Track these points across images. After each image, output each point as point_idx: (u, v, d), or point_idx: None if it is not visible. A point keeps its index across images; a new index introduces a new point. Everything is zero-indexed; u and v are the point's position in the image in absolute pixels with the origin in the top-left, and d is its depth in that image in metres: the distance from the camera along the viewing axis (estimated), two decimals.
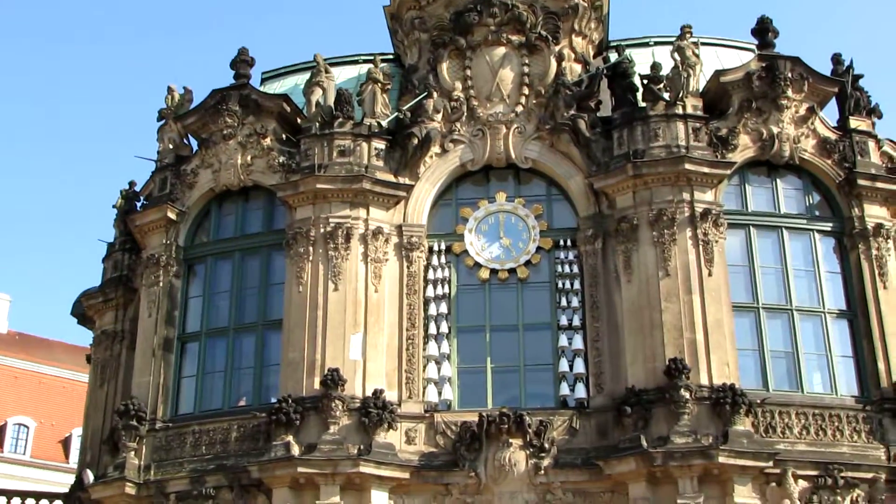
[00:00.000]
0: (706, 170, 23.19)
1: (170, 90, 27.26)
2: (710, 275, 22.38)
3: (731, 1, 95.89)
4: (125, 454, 22.71)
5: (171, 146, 26.50)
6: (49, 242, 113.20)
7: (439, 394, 22.74)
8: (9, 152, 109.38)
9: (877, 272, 23.16)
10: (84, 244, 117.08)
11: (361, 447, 21.22)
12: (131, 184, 28.97)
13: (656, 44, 27.40)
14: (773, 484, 20.52)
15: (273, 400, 22.12)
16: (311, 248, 23.35)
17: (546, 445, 21.24)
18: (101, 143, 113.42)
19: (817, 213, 24.35)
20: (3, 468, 55.91)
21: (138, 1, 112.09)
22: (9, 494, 27.77)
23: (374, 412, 21.42)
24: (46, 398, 61.63)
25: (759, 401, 21.23)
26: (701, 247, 22.59)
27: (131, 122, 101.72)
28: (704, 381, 21.27)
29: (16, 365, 62.77)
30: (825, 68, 25.44)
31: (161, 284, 24.74)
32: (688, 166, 22.97)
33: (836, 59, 25.84)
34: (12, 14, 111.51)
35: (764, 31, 25.33)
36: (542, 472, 21.10)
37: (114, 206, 29.30)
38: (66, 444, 60.57)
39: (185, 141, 26.72)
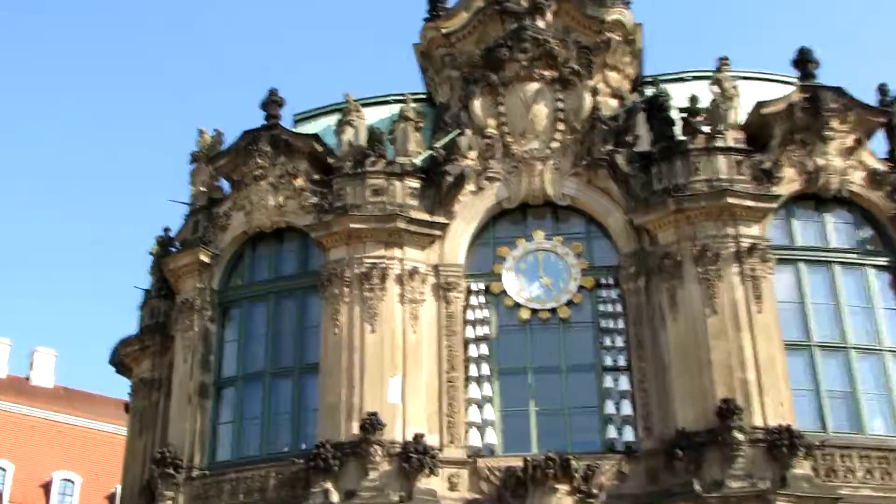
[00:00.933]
0: (750, 203, 22.43)
1: (201, 133, 26.92)
2: (759, 311, 21.54)
3: (768, 37, 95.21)
4: (161, 503, 21.99)
5: (203, 189, 25.98)
6: (90, 294, 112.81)
7: (482, 438, 21.90)
8: (44, 199, 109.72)
9: None
10: (124, 293, 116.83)
11: (402, 494, 20.38)
12: (166, 230, 28.11)
13: (694, 78, 26.59)
14: None
15: (311, 446, 21.27)
16: (346, 289, 22.64)
17: (594, 491, 20.35)
18: (138, 188, 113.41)
19: (869, 247, 23.52)
20: None
21: (169, 44, 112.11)
22: None
23: (414, 457, 20.53)
24: (92, 453, 61.22)
25: (818, 443, 20.27)
26: (749, 283, 21.78)
27: (168, 167, 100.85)
28: (759, 422, 20.33)
29: (61, 419, 62.68)
30: (871, 98, 24.75)
31: (196, 329, 24.10)
32: (731, 200, 22.22)
33: (882, 89, 25.03)
34: (43, 53, 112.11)
35: (805, 61, 24.67)
36: None
37: (150, 253, 28.70)
38: (111, 499, 59.17)
39: (217, 183, 26.18)
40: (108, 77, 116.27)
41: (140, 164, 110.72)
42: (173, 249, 26.70)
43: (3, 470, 59.60)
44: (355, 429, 21.04)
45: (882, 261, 23.25)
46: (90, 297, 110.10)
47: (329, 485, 20.50)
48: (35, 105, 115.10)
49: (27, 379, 69.15)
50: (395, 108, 26.10)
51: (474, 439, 21.81)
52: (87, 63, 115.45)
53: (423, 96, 27.54)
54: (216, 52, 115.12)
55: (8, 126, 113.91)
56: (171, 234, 27.75)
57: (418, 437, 20.94)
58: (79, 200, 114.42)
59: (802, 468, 19.76)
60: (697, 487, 19.55)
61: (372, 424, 20.76)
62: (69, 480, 60.03)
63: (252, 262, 25.10)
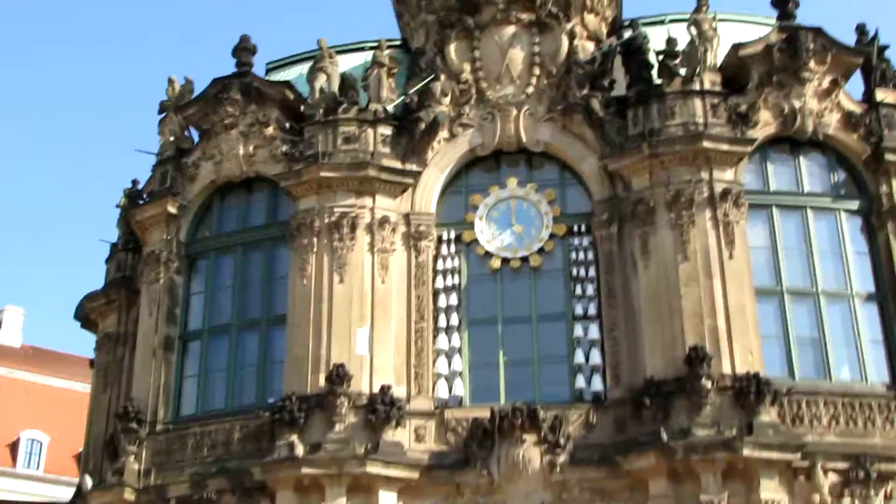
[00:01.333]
0: (725, 147, 22.12)
1: (170, 81, 26.50)
2: (731, 258, 21.26)
3: None
4: (124, 459, 21.79)
5: (171, 139, 25.60)
6: (58, 250, 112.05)
7: (450, 389, 21.70)
8: (9, 159, 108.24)
9: None
10: (93, 249, 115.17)
11: (368, 446, 20.21)
12: (134, 182, 28.00)
13: (672, 21, 25.99)
14: (802, 478, 19.38)
15: (277, 399, 21.11)
16: (315, 240, 22.40)
17: (561, 441, 20.14)
18: (106, 141, 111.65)
19: (843, 191, 23.20)
20: (16, 484, 55.47)
21: None
22: None
23: (381, 409, 20.41)
24: (60, 412, 60.37)
25: (784, 390, 20.08)
26: (721, 228, 21.49)
27: (138, 118, 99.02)
28: (727, 369, 20.12)
29: (29, 378, 62.69)
30: (849, 39, 24.36)
31: (162, 281, 23.86)
32: (706, 144, 21.89)
33: (861, 29, 24.63)
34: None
35: (784, 2, 24.15)
36: (558, 469, 20.00)
37: (117, 206, 28.47)
38: (79, 458, 59.39)
39: (186, 133, 25.86)
40: (70, 24, 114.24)
41: (109, 115, 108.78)
42: (141, 202, 26.39)
43: None
44: (322, 381, 20.85)
45: (854, 205, 22.88)
46: (59, 255, 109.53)
47: (294, 437, 20.30)
48: None
49: None
50: (369, 56, 25.44)
51: (442, 390, 21.61)
52: (49, 7, 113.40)
53: (399, 43, 27.06)
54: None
55: None
56: (140, 186, 27.52)
57: (385, 389, 20.77)
58: (46, 156, 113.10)
59: (769, 415, 19.54)
60: (664, 436, 19.29)
61: (339, 376, 20.59)
62: (36, 440, 59.91)
63: (220, 212, 24.85)
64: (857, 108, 23.38)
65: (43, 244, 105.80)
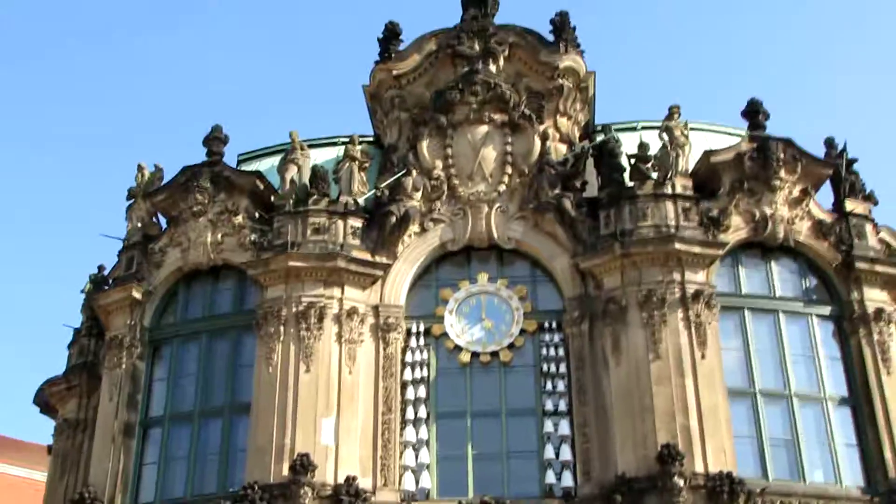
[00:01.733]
0: (697, 250, 22.26)
1: (140, 168, 26.25)
2: (703, 357, 21.21)
3: (720, 89, 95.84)
4: None
5: (139, 225, 25.36)
6: (18, 335, 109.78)
7: (417, 482, 21.22)
8: None
9: (879, 357, 22.09)
10: (55, 335, 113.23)
11: None
12: (100, 268, 27.60)
13: (644, 128, 26.14)
14: None
15: (239, 487, 20.53)
16: (281, 328, 22.15)
17: None
18: (72, 226, 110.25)
19: (814, 296, 23.31)
20: None
21: (111, 77, 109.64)
22: None
23: (346, 500, 19.93)
24: (16, 501, 59.65)
25: (758, 490, 19.80)
26: (693, 329, 21.49)
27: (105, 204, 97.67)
28: (700, 468, 19.89)
29: None
30: (819, 151, 24.87)
31: (124, 367, 23.38)
32: (678, 246, 22.04)
33: (829, 142, 25.17)
34: None
35: (754, 112, 24.68)
36: None
37: (81, 291, 28.11)
38: None
39: (154, 220, 25.63)
40: (43, 107, 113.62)
41: (75, 200, 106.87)
42: (106, 287, 25.91)
43: None
44: (285, 470, 20.34)
45: (826, 310, 23.01)
46: (19, 340, 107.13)
47: None
48: None
49: None
50: (341, 150, 25.67)
51: (409, 483, 21.11)
52: (25, 91, 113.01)
53: (371, 139, 27.13)
54: (160, 87, 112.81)
55: None
56: (106, 272, 27.18)
57: (350, 480, 20.29)
58: (8, 238, 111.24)
59: None
60: None
61: (303, 465, 20.07)
62: None
63: (186, 299, 24.49)
64: (827, 217, 23.72)
65: (2, 328, 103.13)
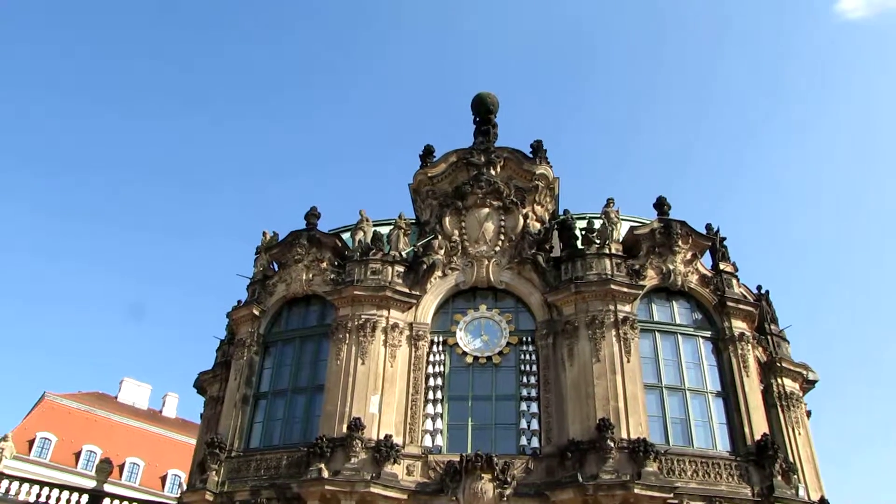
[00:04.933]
0: (625, 290, 21.36)
1: (264, 233, 25.72)
2: (628, 362, 20.17)
3: (639, 183, 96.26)
4: (209, 472, 20.37)
5: (261, 268, 24.69)
6: (199, 350, 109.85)
7: (433, 440, 20.07)
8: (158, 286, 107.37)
9: (742, 365, 21.00)
10: (210, 343, 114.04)
11: (373, 475, 18.73)
12: (239, 301, 26.30)
13: (591, 217, 24.82)
14: None
15: (313, 439, 19.50)
16: (347, 335, 21.30)
17: (508, 480, 18.60)
18: (218, 272, 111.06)
19: (700, 324, 22.06)
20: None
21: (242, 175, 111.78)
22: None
23: (384, 450, 19.05)
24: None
25: (663, 451, 18.74)
26: (622, 342, 20.45)
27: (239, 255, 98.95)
28: (624, 435, 18.82)
29: (178, 438, 61.45)
30: (703, 228, 23.84)
31: (245, 359, 22.63)
32: (613, 286, 21.25)
33: (709, 227, 24.08)
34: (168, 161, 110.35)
35: (661, 204, 23.90)
36: (505, 499, 18.44)
37: (227, 315, 26.83)
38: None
39: (270, 265, 24.77)
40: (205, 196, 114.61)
41: (226, 255, 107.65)
42: (237, 306, 24.79)
43: (139, 465, 58.44)
44: (344, 429, 19.43)
45: (707, 334, 21.81)
46: (199, 353, 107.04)
47: (322, 465, 18.80)
48: (144, 214, 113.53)
49: (160, 412, 68.27)
50: (390, 226, 24.63)
51: (427, 441, 19.99)
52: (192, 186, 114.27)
53: (413, 220, 25.92)
54: (282, 183, 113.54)
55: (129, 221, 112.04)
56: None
57: (388, 437, 19.37)
58: (186, 286, 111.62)
59: (652, 467, 18.13)
60: (580, 479, 17.92)
61: (356, 426, 19.28)
62: (177, 475, 57.54)
63: (287, 316, 23.62)
64: (708, 273, 22.78)
65: (192, 347, 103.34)
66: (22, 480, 23.53)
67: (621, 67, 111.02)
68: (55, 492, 23.43)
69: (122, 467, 56.30)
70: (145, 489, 54.08)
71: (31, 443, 54.26)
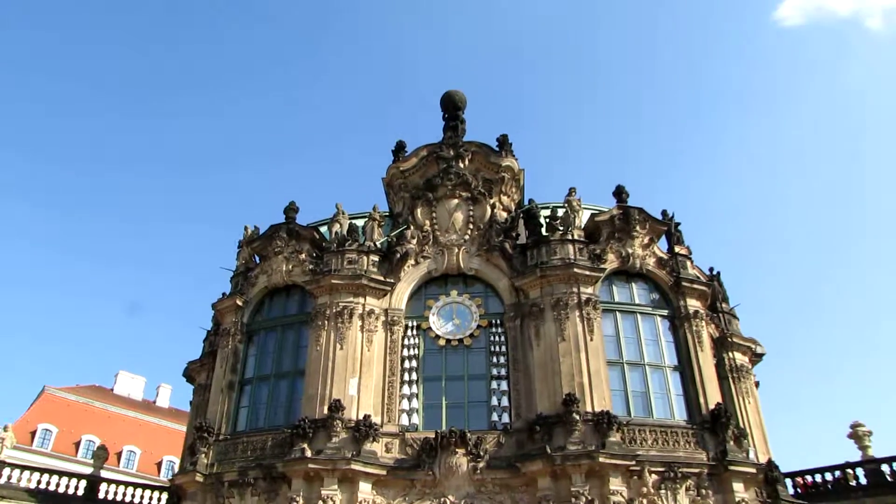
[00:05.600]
0: (587, 273, 21.21)
1: (245, 228, 25.19)
2: (591, 340, 20.03)
3: (599, 171, 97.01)
4: (198, 455, 20.10)
5: (243, 261, 24.27)
6: (188, 341, 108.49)
7: (409, 419, 19.86)
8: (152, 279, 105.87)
9: (696, 341, 20.99)
10: (197, 334, 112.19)
11: (354, 453, 18.53)
12: (223, 293, 25.83)
13: (555, 206, 24.74)
14: (635, 477, 17.80)
15: (296, 421, 19.20)
16: (326, 322, 20.99)
17: (481, 453, 18.49)
18: (208, 262, 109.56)
19: (658, 304, 21.99)
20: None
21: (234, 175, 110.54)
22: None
23: (363, 429, 18.87)
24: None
25: (625, 422, 18.70)
26: (585, 322, 20.31)
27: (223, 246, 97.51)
28: (589, 409, 18.71)
29: (170, 426, 60.55)
30: (659, 214, 23.68)
31: (230, 347, 22.24)
32: (576, 270, 21.10)
33: (664, 213, 23.98)
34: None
35: (620, 192, 23.65)
36: (478, 471, 18.33)
37: (212, 306, 26.38)
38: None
39: (252, 258, 24.28)
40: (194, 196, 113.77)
41: (213, 250, 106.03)
42: (222, 297, 24.21)
43: (135, 452, 57.74)
44: (325, 410, 19.18)
45: (664, 312, 21.70)
46: (190, 346, 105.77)
47: (305, 445, 18.64)
48: (140, 223, 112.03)
49: (154, 402, 67.47)
50: (365, 218, 24.37)
51: (404, 420, 19.79)
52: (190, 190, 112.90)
53: (386, 213, 25.64)
54: (262, 180, 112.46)
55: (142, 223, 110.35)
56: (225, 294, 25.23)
57: (367, 417, 19.17)
58: (177, 281, 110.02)
59: (615, 437, 18.11)
60: (548, 450, 17.83)
61: (336, 407, 19.04)
62: (172, 461, 56.98)
63: (269, 305, 23.20)
64: (665, 256, 22.67)
65: (183, 338, 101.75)
66: (22, 468, 23.05)
67: (585, 68, 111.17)
68: (54, 478, 22.97)
69: (119, 455, 55.66)
70: (142, 475, 53.50)
71: (34, 434, 53.43)
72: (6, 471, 22.38)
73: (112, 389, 64.82)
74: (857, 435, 21.67)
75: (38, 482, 22.54)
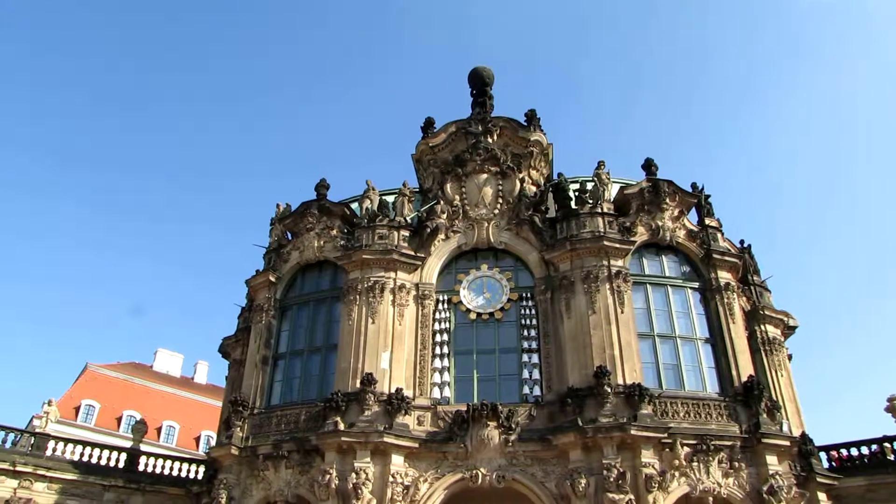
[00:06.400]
0: (617, 245, 20.92)
1: (278, 206, 25.23)
2: (622, 312, 19.79)
3: (629, 145, 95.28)
4: (234, 429, 20.20)
5: (276, 238, 24.25)
6: (224, 318, 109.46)
7: (441, 392, 19.85)
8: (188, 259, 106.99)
9: (728, 313, 20.65)
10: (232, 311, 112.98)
11: (386, 426, 18.49)
12: (257, 271, 25.95)
13: (584, 180, 24.37)
14: (667, 450, 17.53)
15: (329, 394, 19.20)
16: (358, 297, 20.96)
17: (513, 426, 18.36)
18: (242, 239, 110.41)
19: (688, 276, 21.68)
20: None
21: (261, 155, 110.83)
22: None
23: (395, 403, 18.79)
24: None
25: (657, 394, 18.45)
26: (616, 294, 20.06)
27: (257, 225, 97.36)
28: (620, 381, 18.51)
29: (207, 401, 60.99)
30: (688, 187, 23.28)
31: (263, 322, 22.31)
32: (605, 243, 20.82)
33: (694, 185, 23.62)
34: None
35: (649, 164, 23.34)
36: (510, 444, 18.21)
37: (246, 282, 26.56)
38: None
39: (285, 235, 24.22)
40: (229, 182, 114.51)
41: (242, 228, 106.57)
42: (255, 274, 24.31)
43: (174, 427, 58.57)
44: (358, 384, 19.14)
45: (695, 285, 21.41)
46: (226, 323, 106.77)
47: (338, 418, 18.59)
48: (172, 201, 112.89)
49: (192, 378, 68.33)
50: (395, 194, 24.16)
51: (436, 393, 19.76)
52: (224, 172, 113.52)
53: (417, 188, 25.42)
54: (293, 157, 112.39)
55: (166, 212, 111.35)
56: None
57: (398, 390, 19.09)
58: (208, 258, 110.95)
59: (647, 410, 17.89)
60: (580, 422, 17.65)
61: (368, 381, 18.99)
62: (210, 436, 57.78)
63: (302, 281, 23.20)
64: (695, 228, 22.27)
65: (219, 317, 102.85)
66: (66, 441, 23.46)
67: (612, 41, 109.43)
68: (96, 451, 23.35)
69: (159, 430, 56.60)
70: (181, 449, 54.37)
71: (77, 409, 54.48)
72: (51, 443, 22.79)
73: (151, 366, 65.82)
74: (895, 408, 21.12)
75: (81, 455, 22.92)
